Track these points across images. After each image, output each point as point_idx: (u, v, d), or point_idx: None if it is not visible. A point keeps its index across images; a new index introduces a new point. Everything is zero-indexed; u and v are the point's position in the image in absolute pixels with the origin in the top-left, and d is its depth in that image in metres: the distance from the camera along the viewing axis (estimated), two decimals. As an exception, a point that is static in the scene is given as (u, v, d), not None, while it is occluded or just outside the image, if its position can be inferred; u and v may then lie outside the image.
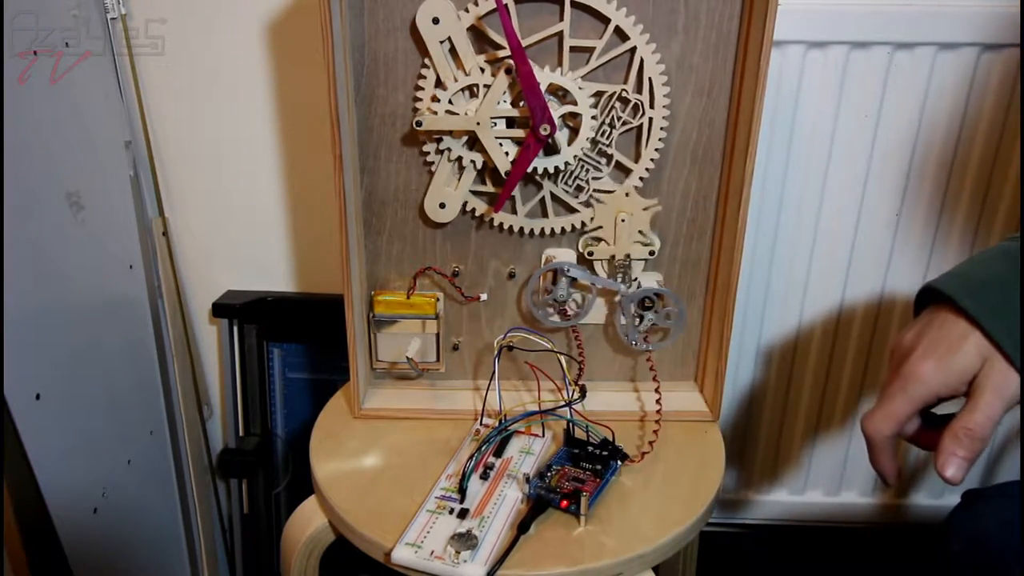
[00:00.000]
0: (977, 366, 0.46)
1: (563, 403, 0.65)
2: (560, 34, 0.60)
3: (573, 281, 0.68)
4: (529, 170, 0.62)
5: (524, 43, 0.59)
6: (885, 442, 0.51)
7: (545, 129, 0.59)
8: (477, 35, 0.61)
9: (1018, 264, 0.47)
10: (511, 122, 0.62)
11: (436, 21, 0.59)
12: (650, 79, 0.61)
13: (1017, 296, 0.46)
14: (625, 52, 0.61)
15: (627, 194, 0.65)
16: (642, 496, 0.60)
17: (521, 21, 0.60)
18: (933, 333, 0.48)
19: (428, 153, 0.64)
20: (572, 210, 0.66)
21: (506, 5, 0.57)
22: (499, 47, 0.60)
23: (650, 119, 0.63)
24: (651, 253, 0.67)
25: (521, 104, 0.61)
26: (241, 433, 0.95)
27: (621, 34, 0.60)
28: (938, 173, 0.81)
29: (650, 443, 0.65)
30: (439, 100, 0.61)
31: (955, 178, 0.81)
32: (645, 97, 0.62)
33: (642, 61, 0.61)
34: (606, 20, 0.60)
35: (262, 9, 0.78)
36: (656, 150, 0.64)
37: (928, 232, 0.84)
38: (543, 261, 0.68)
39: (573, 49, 0.61)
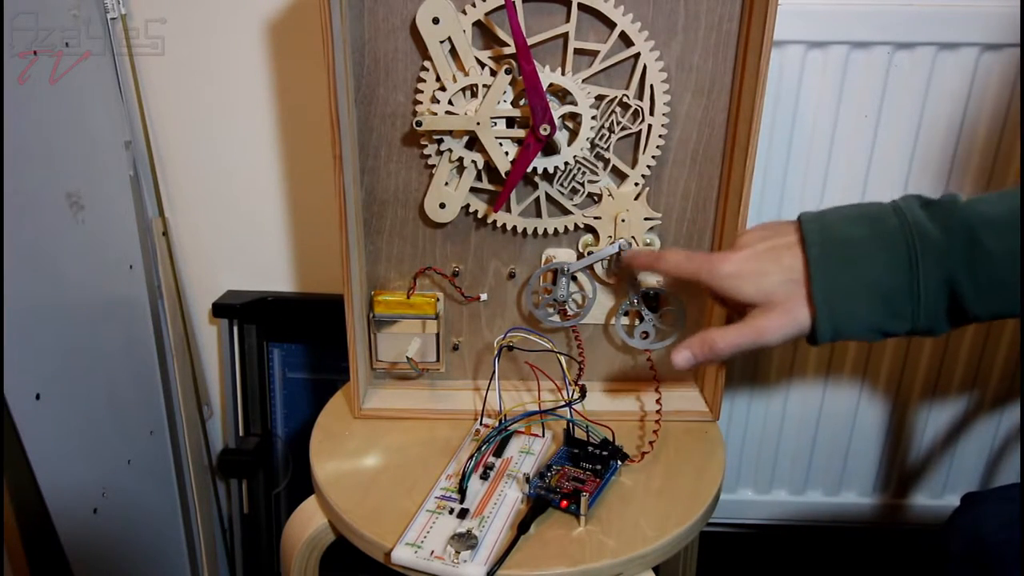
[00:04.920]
0: (759, 303, 0.50)
1: (563, 403, 0.65)
2: (565, 35, 0.60)
3: (573, 280, 0.68)
4: (528, 170, 0.62)
5: (529, 42, 0.59)
6: (658, 267, 0.59)
7: (545, 129, 0.59)
8: (483, 31, 0.61)
9: (874, 235, 0.48)
10: (511, 122, 0.62)
11: (436, 21, 0.59)
12: (651, 86, 0.61)
13: (856, 267, 0.48)
14: (629, 58, 0.61)
15: (636, 197, 0.65)
16: (642, 496, 0.60)
17: (525, 20, 0.60)
18: (764, 251, 0.51)
19: (429, 154, 0.64)
20: (566, 212, 0.66)
21: (513, 2, 0.57)
22: (504, 44, 0.60)
23: (649, 125, 0.63)
24: (651, 253, 0.67)
25: (521, 104, 0.61)
26: (241, 433, 0.95)
27: (625, 39, 0.60)
28: (938, 173, 0.81)
29: (650, 443, 0.65)
30: (439, 100, 0.61)
31: (955, 178, 0.81)
32: (645, 103, 0.62)
33: (645, 67, 0.61)
34: (611, 24, 0.60)
35: (262, 9, 0.78)
36: (653, 157, 0.64)
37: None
38: (543, 261, 0.68)
39: (577, 51, 0.61)
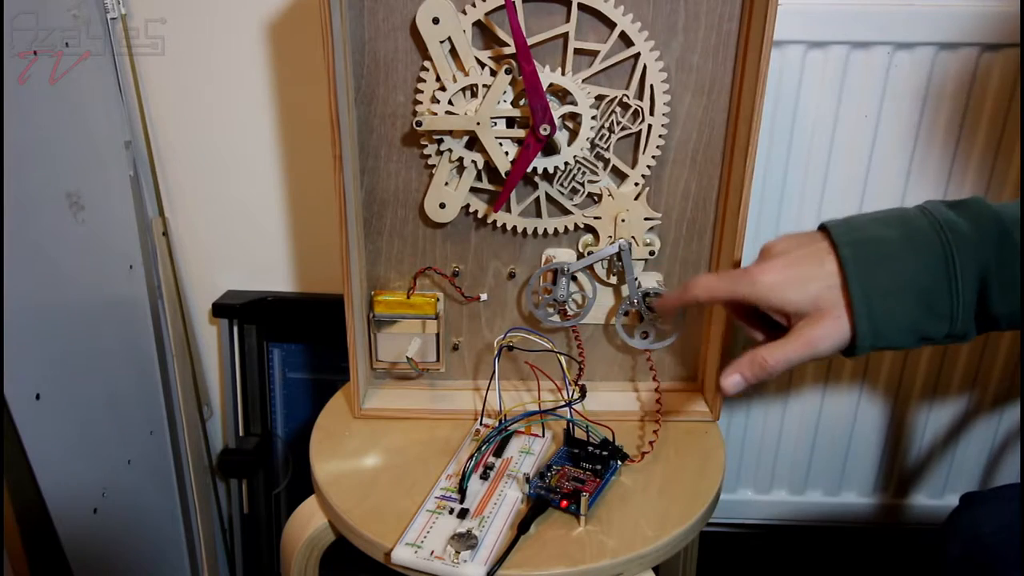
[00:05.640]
0: (807, 311, 0.48)
1: (563, 403, 0.65)
2: (565, 35, 0.60)
3: (573, 280, 0.68)
4: (528, 170, 0.62)
5: (529, 42, 0.59)
6: (689, 299, 0.54)
7: (545, 129, 0.59)
8: (483, 31, 0.61)
9: (905, 235, 0.48)
10: (511, 122, 0.62)
11: (436, 21, 0.59)
12: (651, 86, 0.61)
13: (892, 265, 0.47)
14: (629, 58, 0.61)
15: (636, 197, 0.65)
16: (642, 496, 0.60)
17: (525, 20, 0.60)
18: (802, 257, 0.49)
19: (429, 154, 0.64)
20: (566, 212, 0.66)
21: (513, 2, 0.57)
22: (504, 44, 0.60)
23: (649, 125, 0.63)
24: (651, 253, 0.67)
25: (521, 104, 0.61)
26: (241, 433, 0.95)
27: (625, 39, 0.60)
28: (938, 173, 0.81)
29: (650, 443, 0.65)
30: (439, 100, 0.61)
31: (955, 178, 0.81)
32: (645, 103, 0.62)
33: (645, 67, 0.61)
34: (611, 24, 0.60)
35: (262, 9, 0.78)
36: (653, 157, 0.64)
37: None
38: (543, 261, 0.68)
39: (577, 51, 0.61)
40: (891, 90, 0.78)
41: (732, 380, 0.51)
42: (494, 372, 0.66)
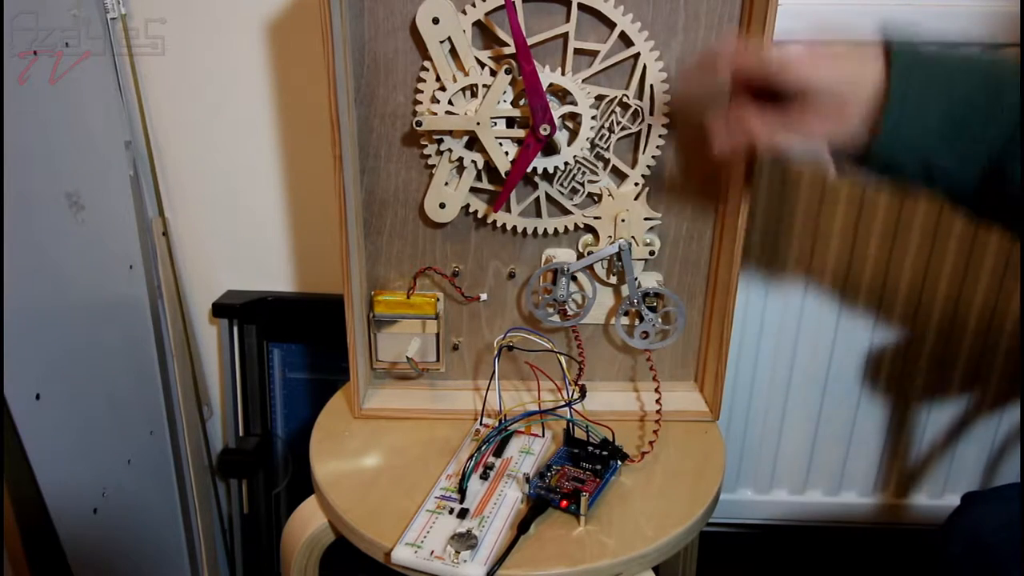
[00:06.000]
0: (833, 91, 0.46)
1: (563, 403, 0.65)
2: (565, 35, 0.60)
3: (573, 280, 0.68)
4: (528, 170, 0.62)
5: (529, 42, 0.59)
6: (718, 63, 0.52)
7: (545, 129, 0.59)
8: (483, 31, 0.61)
9: (963, 60, 0.46)
10: (511, 122, 0.62)
11: (436, 21, 0.59)
12: (651, 86, 0.61)
13: (939, 76, 0.45)
14: (629, 58, 0.61)
15: (636, 197, 0.65)
16: (642, 496, 0.60)
17: (526, 20, 0.60)
18: (846, 51, 0.47)
19: (429, 154, 0.64)
20: (566, 212, 0.66)
21: (513, 2, 0.57)
22: (504, 44, 0.60)
23: (649, 125, 0.63)
24: (651, 253, 0.67)
25: (521, 104, 0.61)
26: (241, 433, 0.95)
27: (625, 39, 0.60)
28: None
29: (650, 443, 0.65)
30: (439, 100, 0.61)
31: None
32: (645, 103, 0.62)
33: (645, 67, 0.61)
34: (611, 24, 0.60)
35: (262, 9, 0.78)
36: (653, 157, 0.64)
37: (927, 233, 0.84)
38: (543, 261, 0.68)
39: (577, 51, 0.61)
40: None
41: (722, 143, 0.51)
42: (494, 372, 0.66)
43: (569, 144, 0.63)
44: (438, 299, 0.70)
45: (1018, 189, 0.44)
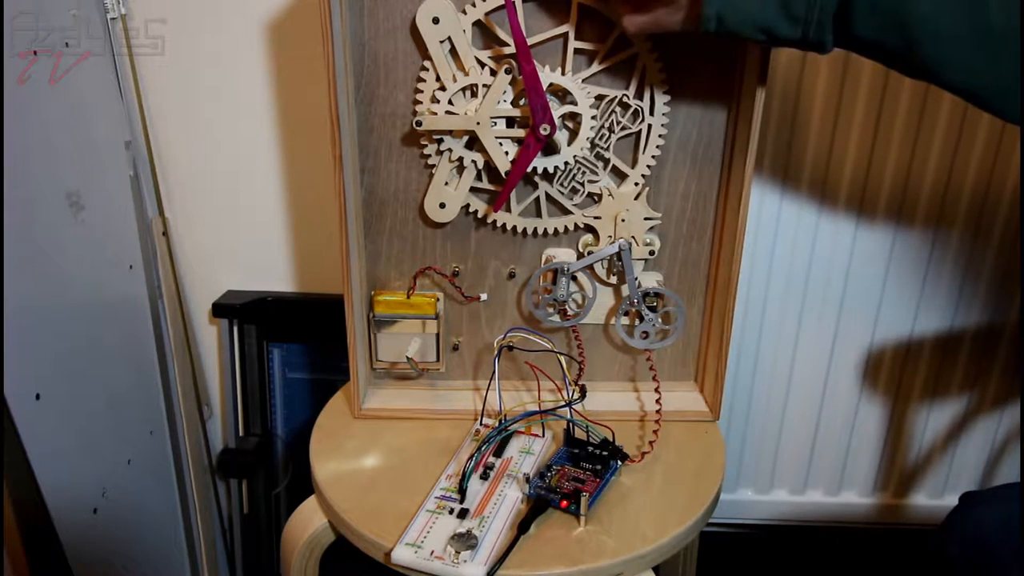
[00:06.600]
0: None
1: (563, 403, 0.65)
2: (565, 35, 0.60)
3: (573, 280, 0.68)
4: (528, 170, 0.62)
5: (529, 42, 0.59)
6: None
7: (545, 129, 0.59)
8: (483, 31, 0.61)
9: None
10: (511, 122, 0.62)
11: (436, 21, 0.59)
12: (651, 86, 0.61)
13: None
14: (629, 58, 0.61)
15: (636, 197, 0.65)
16: (642, 496, 0.60)
17: (526, 20, 0.60)
18: None
19: (429, 154, 0.64)
20: (566, 212, 0.66)
21: (513, 2, 0.57)
22: (504, 44, 0.60)
23: (649, 125, 0.63)
24: (651, 253, 0.67)
25: (521, 103, 0.61)
26: (241, 433, 0.95)
27: (625, 39, 0.60)
28: (938, 172, 0.81)
29: (650, 443, 0.65)
30: (439, 100, 0.61)
31: (955, 179, 0.81)
32: (645, 103, 0.62)
33: (644, 68, 0.61)
34: (611, 24, 0.60)
35: (262, 9, 0.78)
36: (653, 157, 0.64)
37: (927, 232, 0.84)
38: (543, 261, 0.68)
39: (577, 51, 0.61)
40: (891, 89, 0.78)
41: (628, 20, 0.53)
42: (494, 372, 0.66)
43: (569, 144, 0.63)
44: (438, 299, 0.70)
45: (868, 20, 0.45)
